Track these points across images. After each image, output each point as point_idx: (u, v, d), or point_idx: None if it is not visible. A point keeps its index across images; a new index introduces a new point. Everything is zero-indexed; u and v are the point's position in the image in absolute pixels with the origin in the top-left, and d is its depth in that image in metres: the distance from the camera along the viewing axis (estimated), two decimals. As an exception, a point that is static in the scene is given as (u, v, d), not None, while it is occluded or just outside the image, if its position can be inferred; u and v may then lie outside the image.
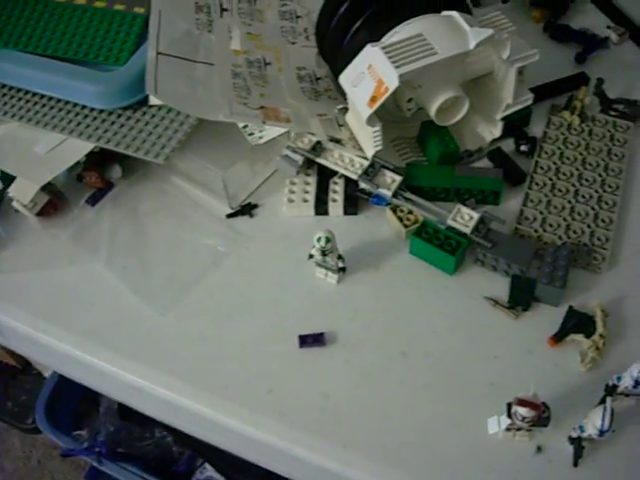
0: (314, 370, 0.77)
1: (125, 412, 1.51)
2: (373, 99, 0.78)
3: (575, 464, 0.67)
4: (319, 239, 0.76)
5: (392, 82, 0.75)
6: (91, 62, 0.95)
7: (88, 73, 0.92)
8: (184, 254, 0.88)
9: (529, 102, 0.89)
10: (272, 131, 0.88)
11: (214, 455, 1.42)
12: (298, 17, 1.02)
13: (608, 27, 1.09)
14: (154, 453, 1.49)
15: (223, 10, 0.98)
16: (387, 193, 0.83)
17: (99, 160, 0.93)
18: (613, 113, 0.96)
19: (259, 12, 1.00)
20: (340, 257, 0.80)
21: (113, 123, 0.90)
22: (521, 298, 0.79)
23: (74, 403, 1.58)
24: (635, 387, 0.66)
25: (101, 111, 0.92)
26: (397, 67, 0.75)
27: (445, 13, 0.82)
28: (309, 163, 0.89)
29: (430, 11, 0.82)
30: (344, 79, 0.83)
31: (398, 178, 0.84)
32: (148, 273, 0.86)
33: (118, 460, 1.43)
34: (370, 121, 0.80)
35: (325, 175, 0.90)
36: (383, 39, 0.82)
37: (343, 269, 0.81)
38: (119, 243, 0.89)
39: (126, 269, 0.87)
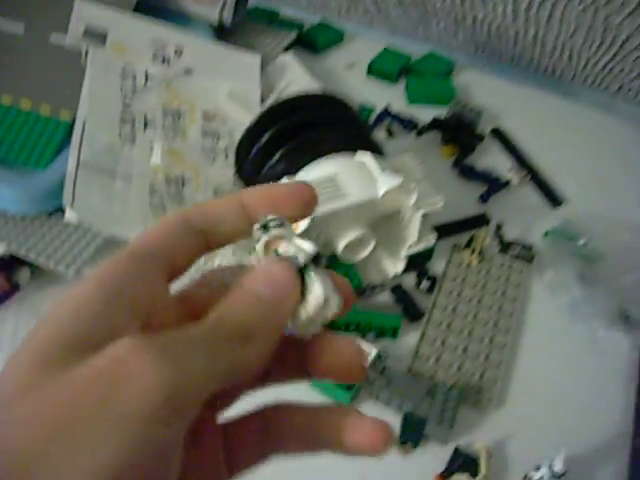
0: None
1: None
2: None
3: None
4: None
5: (303, 223, 0.78)
6: (11, 164, 0.96)
7: (5, 176, 0.93)
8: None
9: (432, 242, 0.94)
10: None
11: None
12: (221, 137, 1.06)
13: (510, 170, 1.16)
14: None
15: (147, 124, 1.01)
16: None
17: (8, 263, 0.93)
18: (510, 255, 1.02)
19: (183, 128, 1.04)
20: None
21: (26, 228, 0.91)
22: (412, 435, 0.82)
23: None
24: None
25: (13, 215, 0.92)
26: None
27: (359, 156, 0.87)
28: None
29: (346, 149, 0.87)
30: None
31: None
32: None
33: None
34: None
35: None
36: (298, 174, 0.86)
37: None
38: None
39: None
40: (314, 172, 0.85)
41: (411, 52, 1.38)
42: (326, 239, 0.89)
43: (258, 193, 0.33)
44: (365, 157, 0.86)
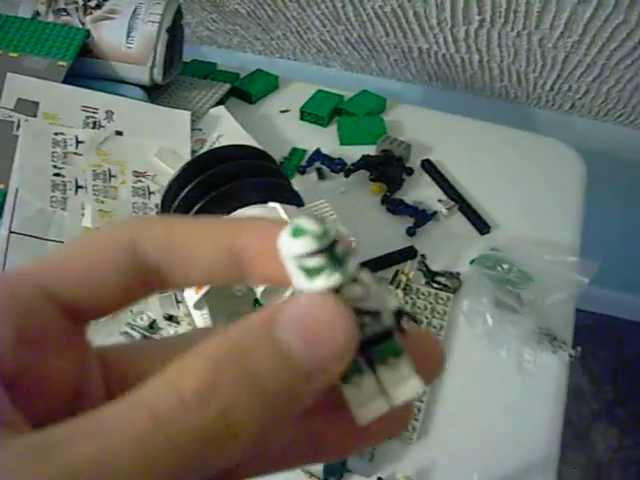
0: None
1: None
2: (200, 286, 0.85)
3: None
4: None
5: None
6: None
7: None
8: None
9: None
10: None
11: None
12: (151, 193, 1.10)
13: (439, 200, 1.20)
14: None
15: (79, 187, 1.05)
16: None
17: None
18: (435, 285, 1.06)
19: (114, 189, 1.08)
20: None
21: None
22: (334, 470, 0.85)
23: None
24: None
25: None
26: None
27: (270, 205, 0.91)
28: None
29: (263, 200, 0.91)
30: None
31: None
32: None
33: None
34: (198, 305, 0.87)
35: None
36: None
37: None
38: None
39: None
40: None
41: (356, 88, 1.43)
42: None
43: (268, 244, 0.23)
44: (276, 207, 0.90)
